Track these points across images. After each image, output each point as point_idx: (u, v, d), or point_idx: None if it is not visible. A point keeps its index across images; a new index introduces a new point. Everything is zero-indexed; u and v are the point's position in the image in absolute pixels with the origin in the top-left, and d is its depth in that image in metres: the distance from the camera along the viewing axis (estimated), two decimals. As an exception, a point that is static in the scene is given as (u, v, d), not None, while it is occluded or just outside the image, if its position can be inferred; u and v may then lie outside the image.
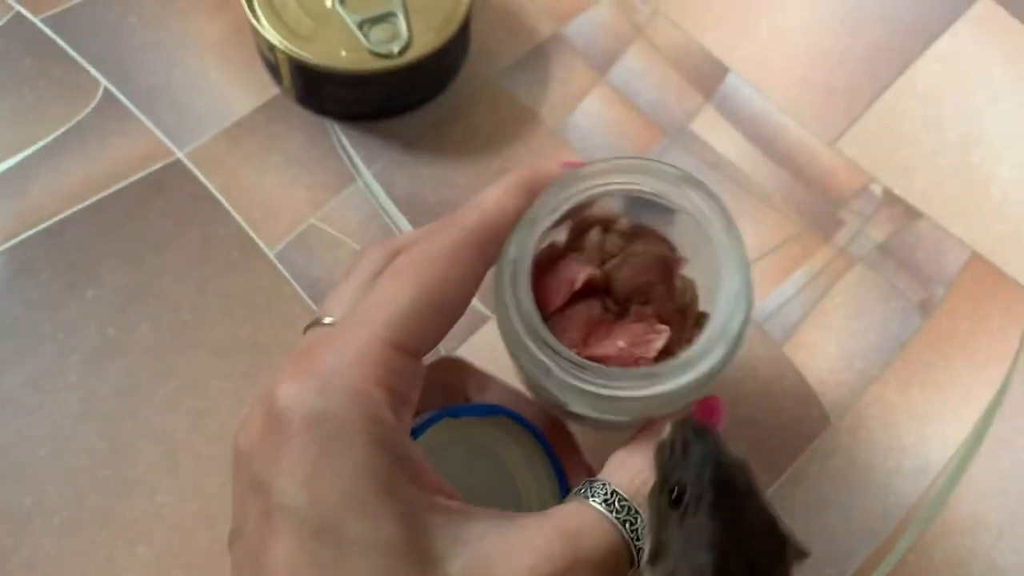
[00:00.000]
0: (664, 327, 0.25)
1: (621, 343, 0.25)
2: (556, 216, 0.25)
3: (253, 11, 0.38)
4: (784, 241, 0.38)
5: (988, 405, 0.36)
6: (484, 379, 0.29)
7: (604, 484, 0.23)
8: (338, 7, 0.38)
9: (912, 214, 0.39)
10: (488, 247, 0.24)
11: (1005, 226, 0.39)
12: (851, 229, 0.39)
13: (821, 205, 0.39)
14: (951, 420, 0.35)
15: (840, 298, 0.37)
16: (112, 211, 0.38)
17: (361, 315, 0.23)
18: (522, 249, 0.24)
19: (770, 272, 0.38)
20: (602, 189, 0.25)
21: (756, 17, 0.43)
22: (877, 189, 0.40)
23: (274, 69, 0.39)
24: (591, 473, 0.27)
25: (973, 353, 0.37)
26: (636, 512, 0.22)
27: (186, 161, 0.39)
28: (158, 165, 0.39)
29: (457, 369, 0.29)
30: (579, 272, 0.25)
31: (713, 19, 0.43)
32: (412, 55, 0.37)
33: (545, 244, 0.26)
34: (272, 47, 0.37)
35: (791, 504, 0.34)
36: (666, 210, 0.26)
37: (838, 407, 0.35)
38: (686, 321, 0.26)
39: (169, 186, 0.38)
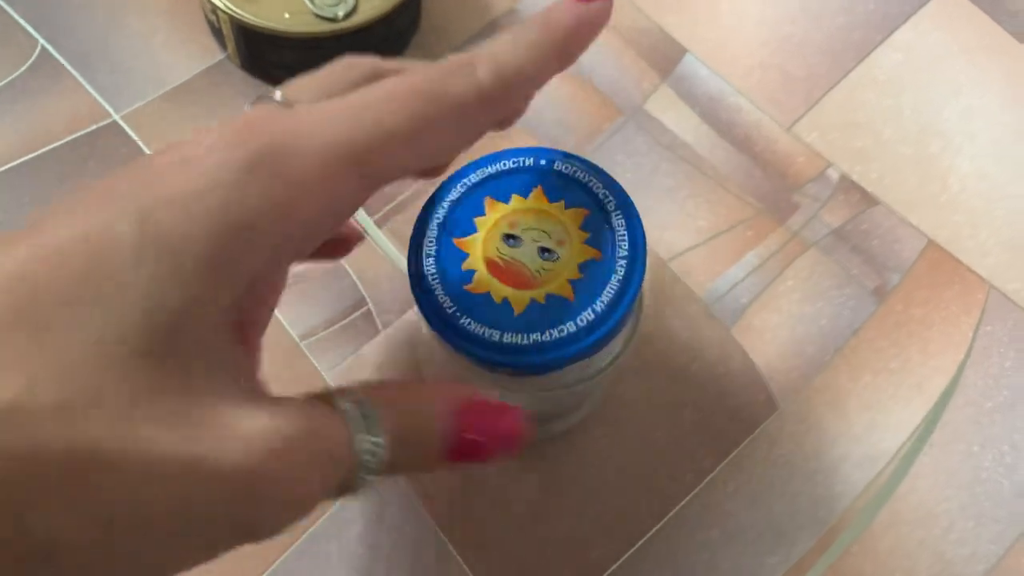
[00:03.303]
0: None
1: None
2: None
3: (196, -30, 0.36)
4: (737, 223, 0.37)
5: (941, 394, 0.35)
6: None
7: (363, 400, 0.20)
8: (284, -32, 0.37)
9: (869, 201, 0.38)
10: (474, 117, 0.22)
11: (962, 217, 0.38)
12: (806, 213, 0.38)
13: (777, 189, 0.38)
14: (902, 408, 0.34)
15: (792, 282, 0.36)
16: (43, 172, 0.36)
17: (324, 112, 0.20)
18: None
19: (721, 254, 0.37)
20: None
21: (716, 1, 0.42)
22: (834, 175, 0.39)
23: (218, 32, 0.38)
24: None
25: (927, 341, 0.36)
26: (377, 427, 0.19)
27: (122, 123, 0.37)
28: (93, 127, 0.37)
29: None
30: None
31: (673, 1, 0.42)
32: (357, 19, 0.36)
33: None
34: (215, 8, 0.36)
35: (734, 489, 0.32)
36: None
37: (787, 392, 0.34)
38: None
39: (104, 148, 0.37)
